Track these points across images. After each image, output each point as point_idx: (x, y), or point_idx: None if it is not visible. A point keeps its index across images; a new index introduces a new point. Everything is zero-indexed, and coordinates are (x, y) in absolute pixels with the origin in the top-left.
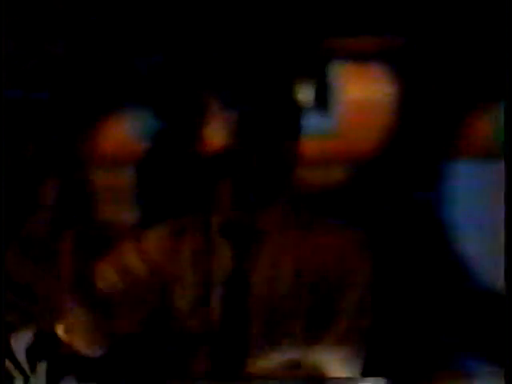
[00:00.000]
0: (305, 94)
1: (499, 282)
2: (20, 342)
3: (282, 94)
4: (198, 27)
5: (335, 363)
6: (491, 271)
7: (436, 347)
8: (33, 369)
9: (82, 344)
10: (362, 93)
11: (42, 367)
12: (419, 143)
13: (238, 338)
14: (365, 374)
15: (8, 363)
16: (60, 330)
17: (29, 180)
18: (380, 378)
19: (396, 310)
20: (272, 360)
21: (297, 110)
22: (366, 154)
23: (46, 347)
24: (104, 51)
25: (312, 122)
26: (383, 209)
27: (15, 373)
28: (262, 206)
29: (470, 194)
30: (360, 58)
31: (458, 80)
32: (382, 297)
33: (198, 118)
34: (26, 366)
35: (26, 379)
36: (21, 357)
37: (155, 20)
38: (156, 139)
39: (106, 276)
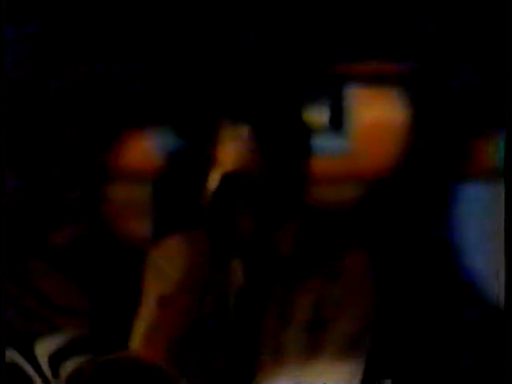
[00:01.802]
0: (319, 115)
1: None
2: (44, 349)
3: (294, 114)
4: (215, 48)
5: (335, 376)
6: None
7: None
8: (55, 374)
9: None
10: (374, 115)
11: (64, 372)
12: (429, 164)
13: (248, 349)
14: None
15: (30, 369)
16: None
17: (54, 193)
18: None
19: (398, 328)
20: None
21: (308, 131)
22: (377, 174)
23: (72, 353)
24: (130, 73)
25: (326, 142)
26: (392, 228)
27: (36, 378)
28: (275, 225)
29: (476, 213)
30: (373, 81)
31: (467, 103)
32: (386, 315)
33: (213, 138)
34: (48, 372)
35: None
36: (44, 362)
37: (175, 47)
38: (174, 157)
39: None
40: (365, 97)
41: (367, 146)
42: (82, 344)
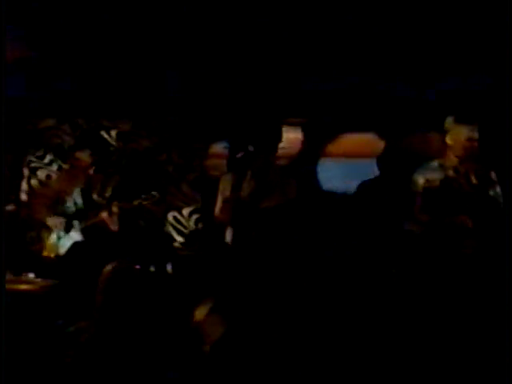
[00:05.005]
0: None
1: None
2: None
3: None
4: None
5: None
6: None
7: None
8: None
9: None
10: (291, 137)
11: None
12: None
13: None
14: None
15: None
16: None
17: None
18: None
19: None
20: None
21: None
22: (293, 155)
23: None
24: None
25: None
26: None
27: (178, 237)
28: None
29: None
30: (294, 125)
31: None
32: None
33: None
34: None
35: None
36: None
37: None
38: (230, 152)
39: None
40: (290, 130)
41: (290, 146)
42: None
